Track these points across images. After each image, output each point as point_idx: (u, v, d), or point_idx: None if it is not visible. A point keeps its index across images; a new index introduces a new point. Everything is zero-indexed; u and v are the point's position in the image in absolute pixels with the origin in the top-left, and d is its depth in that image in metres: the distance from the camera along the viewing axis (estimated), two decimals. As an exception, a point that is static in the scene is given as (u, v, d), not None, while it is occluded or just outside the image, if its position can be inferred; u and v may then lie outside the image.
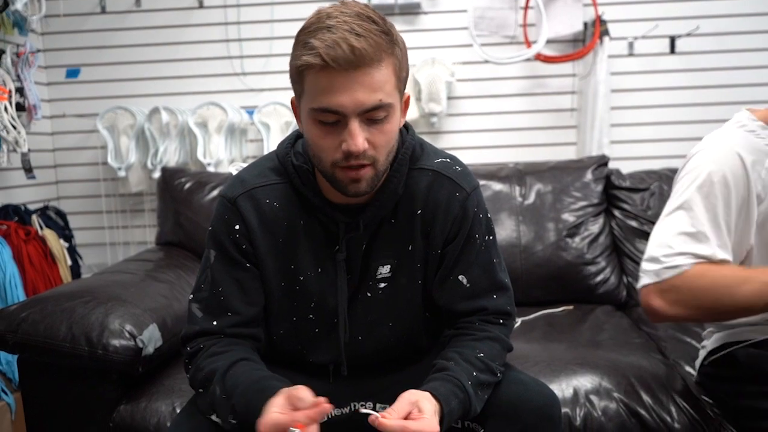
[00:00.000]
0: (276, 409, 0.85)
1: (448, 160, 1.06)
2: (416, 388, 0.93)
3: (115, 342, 1.33)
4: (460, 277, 1.04)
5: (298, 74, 0.90)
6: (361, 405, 1.08)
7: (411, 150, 1.03)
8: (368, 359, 1.11)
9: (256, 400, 0.88)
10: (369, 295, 1.06)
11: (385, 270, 1.05)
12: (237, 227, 1.01)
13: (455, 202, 1.02)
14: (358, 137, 0.89)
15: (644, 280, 1.15)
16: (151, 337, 1.39)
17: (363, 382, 1.11)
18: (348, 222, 1.01)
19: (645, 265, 1.16)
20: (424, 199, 1.02)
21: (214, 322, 1.01)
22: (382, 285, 1.06)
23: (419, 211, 1.03)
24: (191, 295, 1.05)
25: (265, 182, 1.03)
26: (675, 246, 1.12)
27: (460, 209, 1.03)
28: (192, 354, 1.02)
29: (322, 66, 0.86)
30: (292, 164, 1.02)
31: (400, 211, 1.03)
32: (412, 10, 2.47)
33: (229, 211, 1.02)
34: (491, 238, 1.07)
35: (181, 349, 1.04)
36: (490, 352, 1.01)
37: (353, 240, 1.02)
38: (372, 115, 0.90)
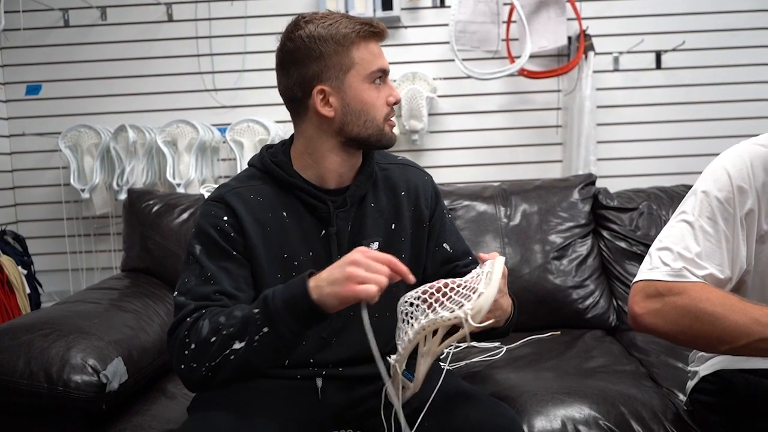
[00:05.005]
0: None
1: (405, 157, 1.36)
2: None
3: (77, 378, 1.32)
4: (444, 245, 1.29)
5: (345, 48, 1.10)
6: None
7: None
8: (356, 352, 1.14)
9: (292, 286, 0.97)
10: None
11: (374, 246, 1.20)
12: (225, 218, 1.12)
13: (427, 184, 1.30)
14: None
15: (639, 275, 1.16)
16: (115, 372, 1.38)
17: (347, 406, 1.16)
18: (335, 200, 1.18)
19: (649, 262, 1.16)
20: (405, 183, 1.27)
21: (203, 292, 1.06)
22: None
23: (403, 193, 1.25)
24: (175, 292, 1.09)
25: (248, 184, 1.18)
26: (671, 258, 1.12)
27: (432, 188, 1.31)
28: (181, 324, 1.03)
29: (372, 33, 1.11)
30: (271, 161, 1.18)
31: (381, 196, 1.24)
32: (392, 24, 2.51)
33: (217, 207, 1.14)
34: (450, 216, 1.37)
35: (167, 342, 1.05)
36: None
37: (341, 217, 1.18)
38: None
